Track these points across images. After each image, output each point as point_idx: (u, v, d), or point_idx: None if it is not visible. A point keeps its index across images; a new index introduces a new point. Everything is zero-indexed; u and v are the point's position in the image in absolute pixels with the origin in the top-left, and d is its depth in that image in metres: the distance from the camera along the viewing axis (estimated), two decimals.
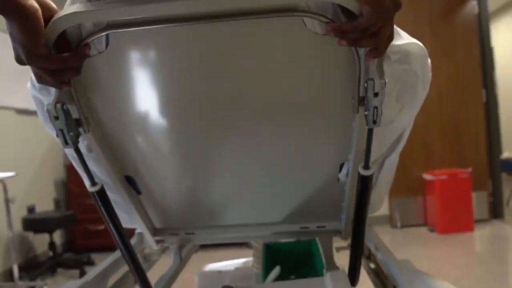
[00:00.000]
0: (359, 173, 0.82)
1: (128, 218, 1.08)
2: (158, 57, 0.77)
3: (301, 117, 0.86)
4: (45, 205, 3.86)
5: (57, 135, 0.73)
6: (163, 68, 0.79)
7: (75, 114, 0.76)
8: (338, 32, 0.63)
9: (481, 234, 3.84)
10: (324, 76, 0.79)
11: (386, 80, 0.68)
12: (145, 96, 0.84)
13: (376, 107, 0.69)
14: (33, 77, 0.79)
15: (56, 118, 0.72)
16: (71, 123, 0.74)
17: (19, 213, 3.42)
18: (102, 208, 0.87)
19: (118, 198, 1.01)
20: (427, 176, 4.07)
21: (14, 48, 0.62)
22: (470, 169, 3.95)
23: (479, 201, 4.10)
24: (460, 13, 4.16)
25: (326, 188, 1.01)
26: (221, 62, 0.77)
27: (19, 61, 0.63)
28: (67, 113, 0.73)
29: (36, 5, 0.60)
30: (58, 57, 0.64)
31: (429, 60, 0.84)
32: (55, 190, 4.08)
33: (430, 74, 0.85)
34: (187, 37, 0.73)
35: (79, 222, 3.69)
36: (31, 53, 0.61)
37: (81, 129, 0.77)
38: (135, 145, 0.92)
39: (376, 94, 0.68)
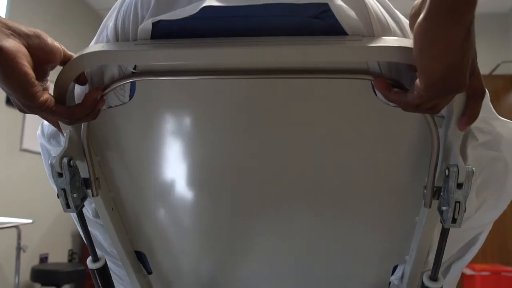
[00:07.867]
0: (422, 283, 0.66)
1: None
2: (192, 115, 0.66)
3: (350, 205, 0.72)
4: (60, 255, 3.72)
5: (58, 196, 0.60)
6: (197, 129, 0.68)
7: (84, 173, 0.65)
8: (387, 97, 0.52)
9: None
10: (387, 156, 0.66)
11: (474, 168, 0.53)
12: (171, 160, 0.72)
13: (458, 202, 0.53)
14: (44, 123, 0.68)
15: (60, 175, 0.59)
16: (77, 183, 0.62)
17: (31, 261, 3.30)
18: None
19: (123, 274, 0.85)
20: (467, 270, 3.70)
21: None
22: None
23: None
24: None
25: None
26: (270, 127, 0.65)
27: (20, 109, 0.52)
28: (74, 171, 0.61)
29: (16, 46, 0.47)
30: (62, 110, 0.54)
31: None
32: (71, 241, 3.95)
33: None
34: (230, 92, 0.62)
35: (90, 278, 3.49)
36: (27, 106, 0.50)
37: (88, 191, 0.66)
38: (152, 216, 0.79)
39: (459, 186, 0.53)
